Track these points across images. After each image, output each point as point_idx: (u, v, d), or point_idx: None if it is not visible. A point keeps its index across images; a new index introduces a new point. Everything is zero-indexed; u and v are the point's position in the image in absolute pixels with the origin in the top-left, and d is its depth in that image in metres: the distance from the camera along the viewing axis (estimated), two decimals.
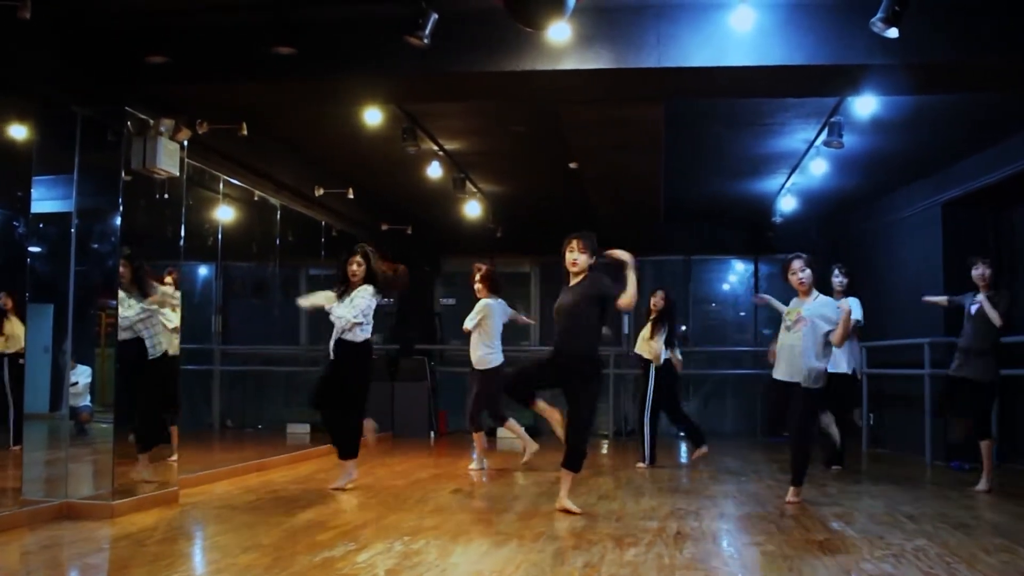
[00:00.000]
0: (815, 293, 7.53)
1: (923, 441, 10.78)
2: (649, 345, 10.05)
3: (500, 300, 9.76)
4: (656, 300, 10.23)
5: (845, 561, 5.18)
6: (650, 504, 7.27)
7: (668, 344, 10.15)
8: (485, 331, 9.56)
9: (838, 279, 9.57)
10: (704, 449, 10.13)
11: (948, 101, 8.40)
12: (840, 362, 9.19)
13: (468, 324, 9.64)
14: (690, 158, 10.90)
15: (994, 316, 8.24)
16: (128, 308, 7.36)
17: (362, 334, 7.80)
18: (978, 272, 8.50)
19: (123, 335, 7.26)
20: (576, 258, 6.84)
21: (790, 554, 5.35)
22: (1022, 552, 5.45)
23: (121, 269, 7.36)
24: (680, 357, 10.32)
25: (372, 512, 6.77)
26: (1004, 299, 8.33)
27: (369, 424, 8.13)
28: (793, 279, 7.54)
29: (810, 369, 7.28)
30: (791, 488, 7.44)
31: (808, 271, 7.51)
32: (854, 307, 9.27)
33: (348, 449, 7.98)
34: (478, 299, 9.68)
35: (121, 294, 7.25)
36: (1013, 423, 10.13)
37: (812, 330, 7.33)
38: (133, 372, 7.38)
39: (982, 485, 8.18)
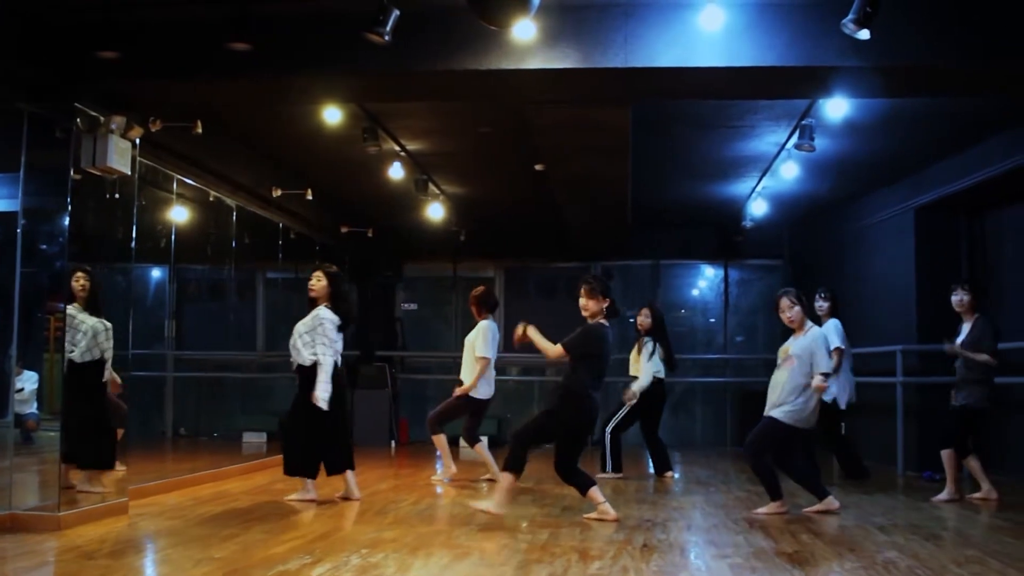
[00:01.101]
0: (808, 326, 7.63)
1: (895, 451, 10.86)
2: (638, 366, 10.12)
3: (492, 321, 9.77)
4: (642, 319, 10.24)
5: (814, 574, 5.21)
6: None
7: (669, 365, 10.21)
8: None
9: (818, 303, 9.73)
10: (670, 474, 10.16)
11: (921, 104, 8.48)
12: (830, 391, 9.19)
13: (487, 352, 9.51)
14: (658, 161, 10.93)
15: (983, 359, 8.26)
16: (88, 327, 7.32)
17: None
18: (956, 299, 8.57)
19: (85, 357, 7.26)
20: (583, 303, 7.05)
21: (759, 567, 5.37)
22: (993, 564, 5.49)
23: (83, 282, 7.29)
24: (644, 385, 10.13)
25: (329, 524, 6.75)
26: (986, 335, 8.32)
27: None
28: (783, 317, 7.67)
29: (789, 406, 7.47)
30: (772, 503, 7.54)
31: (796, 308, 7.60)
32: (832, 332, 9.49)
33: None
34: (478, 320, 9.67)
35: (73, 311, 7.19)
36: (988, 433, 10.20)
37: (799, 368, 7.47)
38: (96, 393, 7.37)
39: (943, 495, 8.27)
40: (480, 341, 9.49)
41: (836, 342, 9.45)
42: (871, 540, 6.26)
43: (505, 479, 6.87)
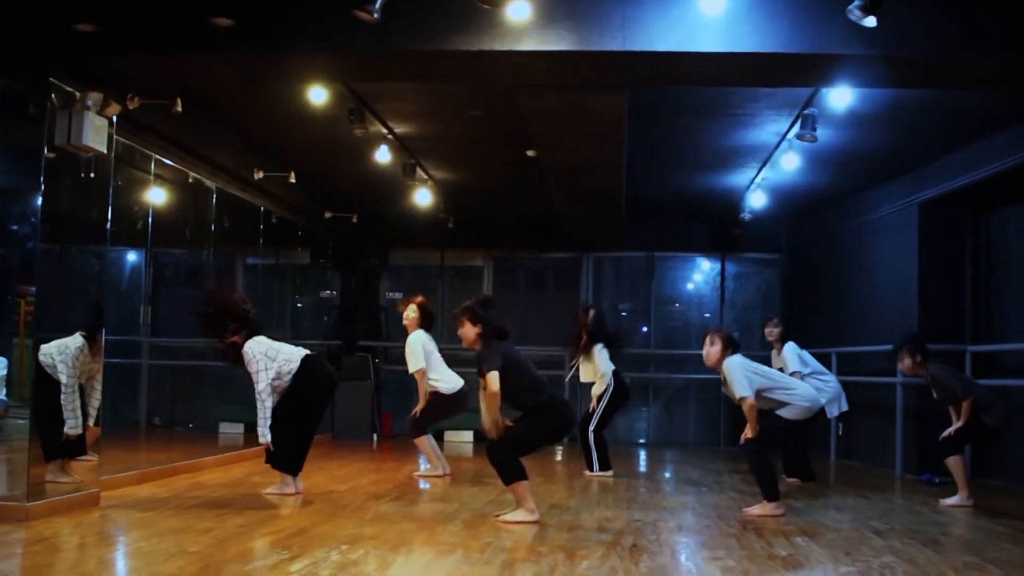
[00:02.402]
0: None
1: (893, 453, 10.89)
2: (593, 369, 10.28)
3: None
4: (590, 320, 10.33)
5: None
6: (605, 515, 7.31)
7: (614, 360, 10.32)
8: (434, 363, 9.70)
9: (768, 329, 10.36)
10: (594, 474, 10.06)
11: (927, 96, 8.47)
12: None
13: (420, 364, 9.60)
14: (655, 149, 10.92)
15: (965, 411, 8.33)
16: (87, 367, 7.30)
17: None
18: (906, 365, 8.69)
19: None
20: (462, 332, 7.03)
21: (751, 570, 5.39)
22: (992, 571, 5.52)
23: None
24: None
25: (308, 519, 6.74)
26: (952, 384, 8.42)
27: None
28: (703, 353, 8.01)
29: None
30: (764, 503, 7.56)
31: (714, 347, 7.86)
32: (790, 355, 9.98)
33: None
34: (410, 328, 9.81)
35: (85, 351, 7.17)
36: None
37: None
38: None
39: (956, 499, 8.29)
40: (415, 355, 9.61)
41: (793, 366, 9.87)
42: (868, 544, 6.28)
43: (518, 487, 6.85)
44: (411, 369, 9.62)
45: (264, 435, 7.67)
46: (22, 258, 7.02)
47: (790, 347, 10.12)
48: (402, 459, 11.42)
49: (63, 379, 6.94)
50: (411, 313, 9.81)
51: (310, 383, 7.87)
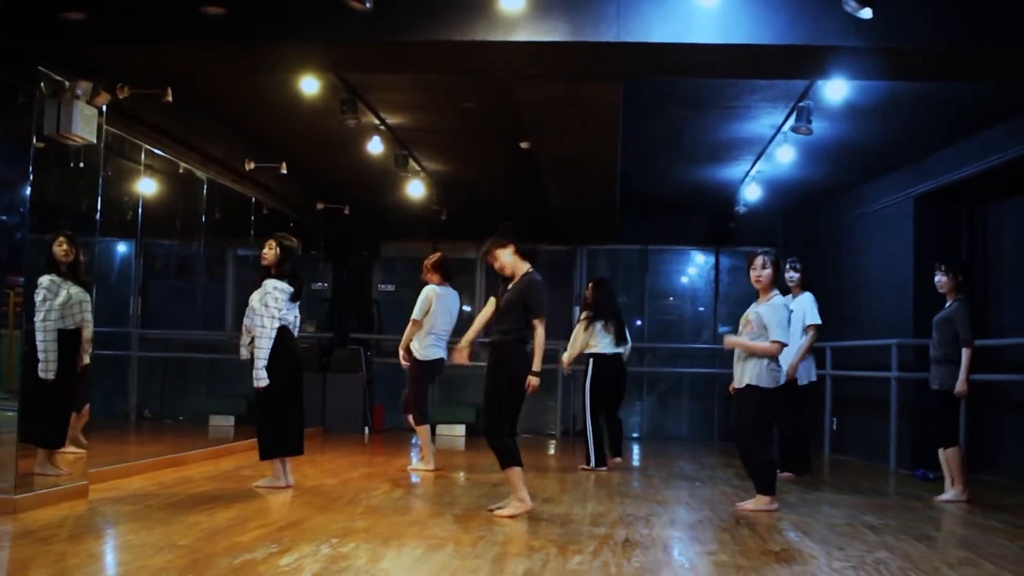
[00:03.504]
0: (773, 293, 7.60)
1: (888, 448, 10.90)
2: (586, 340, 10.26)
3: (448, 288, 9.81)
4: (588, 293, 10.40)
5: (802, 573, 5.24)
6: (597, 509, 7.31)
7: (619, 340, 10.27)
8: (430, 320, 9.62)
9: (789, 274, 9.72)
10: (588, 468, 10.04)
11: (924, 89, 8.48)
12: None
13: (417, 315, 9.58)
14: (649, 142, 10.92)
15: (966, 360, 8.14)
16: (63, 294, 7.25)
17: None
18: (936, 279, 8.50)
19: (59, 324, 7.19)
20: (501, 264, 7.06)
21: (744, 564, 5.39)
22: (987, 567, 5.53)
23: (66, 247, 7.25)
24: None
25: (298, 513, 6.74)
26: (962, 320, 8.20)
27: None
28: (752, 275, 7.65)
29: (758, 370, 7.47)
30: (758, 496, 7.52)
31: (768, 271, 7.58)
32: (810, 306, 9.56)
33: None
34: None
35: (52, 278, 7.16)
36: (982, 431, 10.27)
37: (756, 333, 7.52)
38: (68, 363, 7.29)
39: (951, 495, 8.28)
40: (417, 304, 9.62)
41: (813, 318, 9.55)
42: (861, 539, 6.29)
43: (511, 473, 6.88)
44: (413, 315, 9.58)
45: (260, 378, 7.61)
46: (10, 249, 7.01)
47: (810, 298, 9.67)
48: (394, 452, 11.42)
49: (35, 317, 7.02)
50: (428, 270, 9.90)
51: (283, 358, 7.78)
